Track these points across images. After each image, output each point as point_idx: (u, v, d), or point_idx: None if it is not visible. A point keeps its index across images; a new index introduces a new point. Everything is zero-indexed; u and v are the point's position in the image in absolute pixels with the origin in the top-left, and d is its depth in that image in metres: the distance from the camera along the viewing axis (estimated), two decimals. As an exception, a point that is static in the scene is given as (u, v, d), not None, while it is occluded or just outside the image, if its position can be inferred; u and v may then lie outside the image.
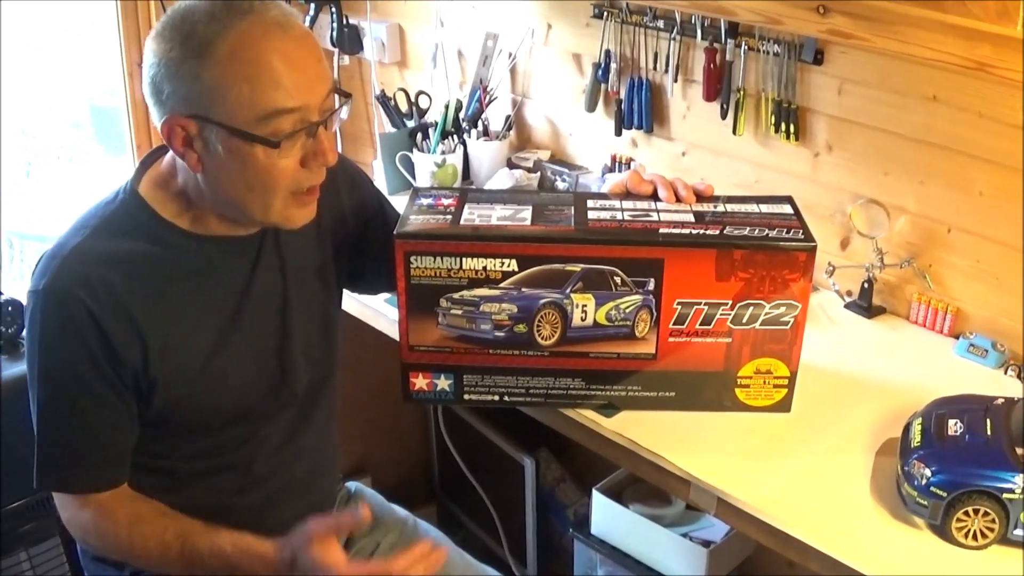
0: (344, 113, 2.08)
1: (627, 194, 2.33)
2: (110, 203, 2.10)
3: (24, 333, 2.07)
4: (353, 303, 2.85)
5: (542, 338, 2.22)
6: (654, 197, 2.30)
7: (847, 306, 2.90)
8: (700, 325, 2.20)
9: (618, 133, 3.35)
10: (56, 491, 2.14)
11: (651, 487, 2.51)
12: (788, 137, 2.92)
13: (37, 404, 2.06)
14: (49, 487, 2.14)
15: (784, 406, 2.30)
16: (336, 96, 2.04)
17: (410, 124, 3.70)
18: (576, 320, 2.20)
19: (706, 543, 3.08)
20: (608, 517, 3.28)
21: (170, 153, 2.06)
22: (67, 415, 2.05)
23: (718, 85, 3.03)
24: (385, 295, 2.75)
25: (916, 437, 2.08)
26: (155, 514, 2.13)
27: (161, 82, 1.92)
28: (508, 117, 3.65)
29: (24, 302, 2.06)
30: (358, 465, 3.87)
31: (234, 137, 1.91)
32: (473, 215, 2.22)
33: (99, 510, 2.10)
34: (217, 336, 2.13)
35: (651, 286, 2.16)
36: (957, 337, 2.71)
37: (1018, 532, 1.95)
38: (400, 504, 2.71)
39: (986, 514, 1.94)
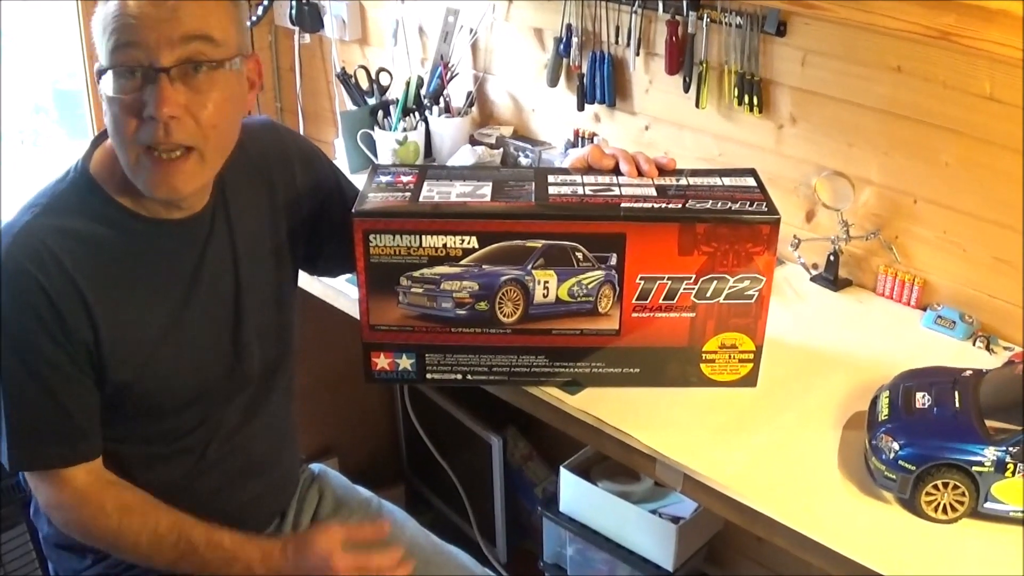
0: (228, 67, 1.97)
1: (589, 169, 2.31)
2: (60, 182, 2.07)
3: None
4: (315, 283, 2.83)
5: (504, 315, 2.19)
6: (616, 172, 2.29)
7: (813, 279, 2.89)
8: (663, 300, 2.18)
9: (580, 108, 3.33)
10: (29, 470, 2.10)
11: (619, 464, 2.50)
12: (751, 110, 2.90)
13: (1, 383, 2.01)
14: (21, 466, 2.09)
15: (750, 381, 2.28)
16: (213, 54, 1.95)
17: (371, 102, 3.67)
18: (538, 297, 2.18)
19: (675, 519, 3.08)
20: (577, 495, 3.27)
21: None
22: (32, 390, 2.01)
23: (680, 58, 3.01)
24: (346, 275, 2.73)
25: (884, 410, 2.07)
26: (145, 504, 2.11)
27: None
28: (470, 93, 3.63)
29: None
30: (324, 447, 3.86)
31: (98, 83, 1.92)
32: (432, 192, 2.19)
33: (83, 498, 2.08)
34: (168, 318, 2.11)
35: (613, 261, 2.14)
36: (924, 309, 2.71)
37: (988, 505, 1.93)
38: (368, 485, 2.69)
39: (956, 487, 1.93)
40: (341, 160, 3.60)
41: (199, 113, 1.93)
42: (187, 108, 1.91)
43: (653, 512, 3.11)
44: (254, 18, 3.76)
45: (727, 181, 2.25)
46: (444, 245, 2.13)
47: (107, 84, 1.90)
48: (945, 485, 1.94)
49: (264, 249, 2.26)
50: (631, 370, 2.27)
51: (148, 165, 1.95)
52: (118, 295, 2.03)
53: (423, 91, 3.62)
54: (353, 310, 2.76)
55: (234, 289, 2.20)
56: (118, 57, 1.88)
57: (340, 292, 2.85)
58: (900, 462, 1.95)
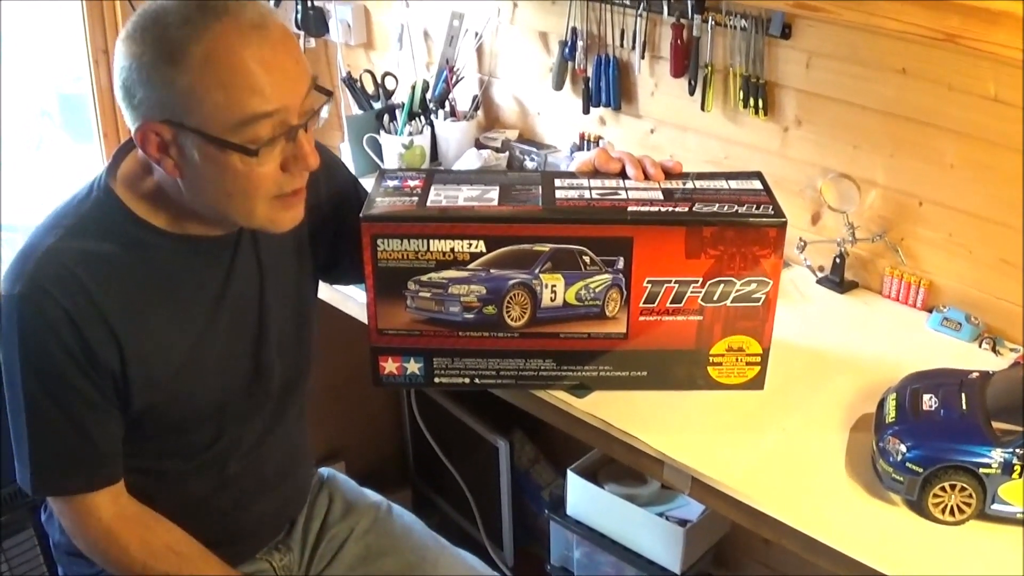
0: (324, 112, 2.01)
1: (595, 172, 2.31)
2: (84, 200, 2.03)
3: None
4: (322, 287, 2.82)
5: (512, 319, 2.20)
6: (622, 175, 2.28)
7: (819, 281, 2.89)
8: (671, 303, 2.18)
9: (586, 111, 3.33)
10: (51, 495, 2.11)
11: (626, 467, 2.50)
12: (757, 112, 2.90)
13: (23, 409, 2.00)
14: (43, 492, 2.10)
15: (757, 383, 2.28)
16: (315, 93, 1.96)
17: (377, 106, 3.68)
18: (545, 300, 2.18)
19: (682, 522, 3.08)
20: (584, 498, 3.28)
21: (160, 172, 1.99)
22: (55, 416, 1.99)
23: (685, 61, 3.01)
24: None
25: (891, 413, 2.07)
26: (169, 553, 2.12)
27: (133, 86, 1.85)
28: (475, 97, 3.63)
29: None
30: (331, 450, 3.86)
31: (210, 145, 1.84)
32: (440, 196, 2.19)
33: (108, 534, 2.08)
34: (193, 338, 2.09)
35: (621, 265, 2.14)
36: (930, 311, 2.71)
37: (995, 507, 1.94)
38: (374, 488, 2.69)
39: (963, 489, 1.93)
40: (347, 164, 3.59)
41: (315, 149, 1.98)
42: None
43: (660, 515, 3.12)
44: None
45: (733, 184, 2.25)
46: (452, 249, 2.13)
47: (223, 150, 1.86)
48: (952, 487, 1.94)
49: (288, 262, 2.25)
50: (639, 373, 2.28)
51: (279, 207, 1.98)
52: (144, 319, 2.01)
53: (429, 95, 3.62)
54: (360, 314, 2.76)
55: (258, 306, 2.19)
56: (258, 130, 1.85)
57: (347, 296, 2.85)
58: (907, 464, 1.95)
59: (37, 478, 2.04)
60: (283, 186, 1.94)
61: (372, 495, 2.65)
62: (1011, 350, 2.56)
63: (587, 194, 2.19)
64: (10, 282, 1.95)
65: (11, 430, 2.04)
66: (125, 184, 2.03)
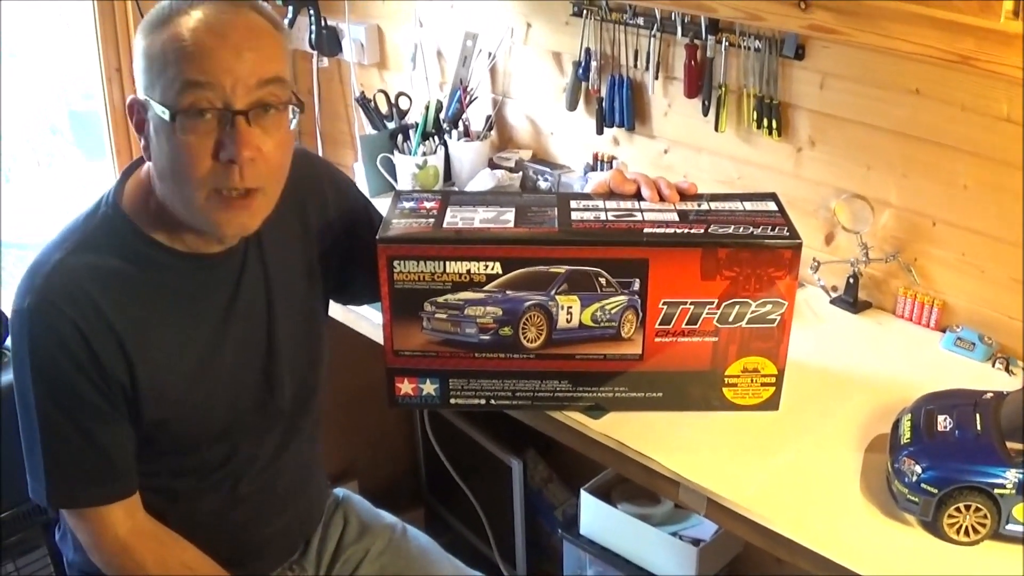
0: (293, 117, 2.01)
1: (610, 194, 2.32)
2: (91, 216, 2.06)
3: (9, 351, 2.04)
4: (336, 308, 2.83)
5: (527, 340, 2.20)
6: (637, 196, 2.29)
7: (832, 301, 2.89)
8: (686, 325, 2.19)
9: (599, 131, 3.34)
10: (67, 508, 2.12)
11: (639, 486, 2.51)
12: (770, 133, 2.91)
13: (36, 422, 2.01)
14: (60, 505, 2.11)
15: (772, 404, 2.29)
16: (276, 91, 1.96)
17: (390, 126, 3.68)
18: (561, 322, 2.19)
19: (696, 541, 3.08)
20: (597, 517, 3.27)
21: (148, 163, 2.03)
22: (68, 430, 2.01)
23: (699, 82, 3.02)
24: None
25: (905, 433, 2.07)
26: (183, 569, 2.14)
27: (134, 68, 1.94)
28: (489, 117, 3.64)
29: (7, 312, 2.02)
30: (344, 469, 3.86)
31: (157, 111, 1.88)
32: (456, 218, 2.20)
33: (124, 549, 2.09)
34: (203, 353, 2.11)
35: (636, 286, 2.15)
36: (944, 331, 2.71)
37: (1010, 527, 1.94)
38: (387, 507, 2.69)
39: (977, 510, 1.94)
40: (361, 184, 3.60)
41: (269, 153, 1.94)
42: (259, 149, 1.92)
43: (673, 534, 3.11)
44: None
45: (748, 206, 2.26)
46: (468, 271, 2.14)
47: (167, 121, 1.88)
48: (967, 508, 1.94)
49: (297, 280, 2.26)
50: (654, 394, 2.28)
51: (217, 204, 1.94)
52: (153, 333, 2.03)
53: (442, 115, 3.63)
54: (373, 334, 2.77)
55: (267, 322, 2.20)
56: (189, 98, 1.86)
57: (361, 316, 2.86)
58: (923, 485, 1.96)
59: (52, 491, 2.05)
60: (219, 178, 1.91)
61: (387, 516, 2.65)
62: (1024, 370, 2.56)
63: (603, 216, 2.20)
64: (20, 297, 1.98)
65: (24, 444, 2.05)
66: (131, 201, 2.06)
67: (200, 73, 1.85)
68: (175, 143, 1.89)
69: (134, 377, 2.00)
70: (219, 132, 1.89)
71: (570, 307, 2.17)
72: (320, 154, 4.05)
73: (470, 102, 3.61)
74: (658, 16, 3.05)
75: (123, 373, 1.99)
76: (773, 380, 2.26)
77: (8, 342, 2.05)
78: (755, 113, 2.93)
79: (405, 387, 2.29)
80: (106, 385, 1.98)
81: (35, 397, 1.99)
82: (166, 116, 1.87)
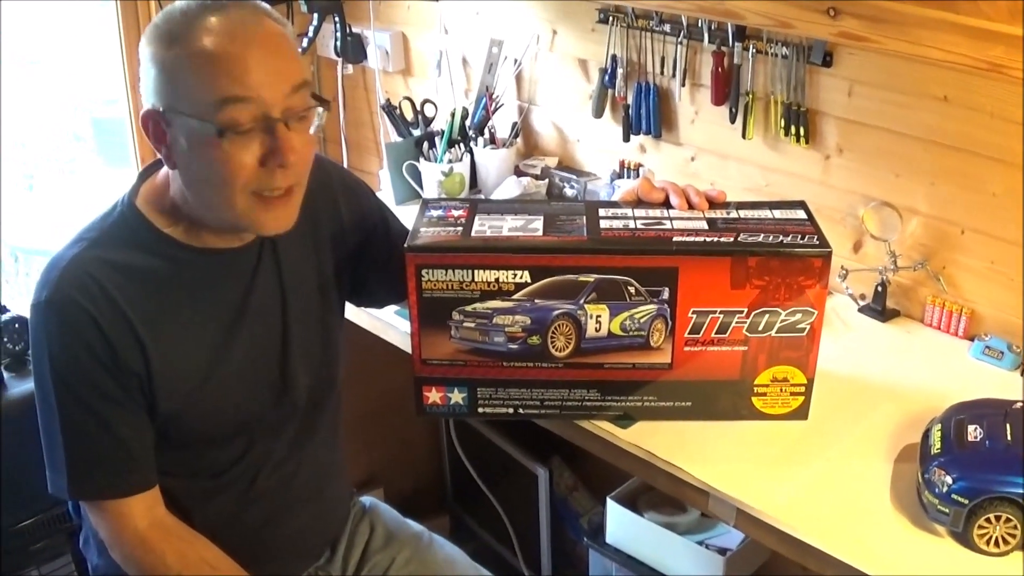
0: (319, 119, 2.03)
1: (639, 202, 2.31)
2: (108, 216, 2.10)
3: (30, 349, 2.08)
4: (362, 315, 2.84)
5: (556, 350, 2.20)
6: (666, 204, 2.29)
7: (861, 310, 2.89)
8: (716, 334, 2.18)
9: (626, 139, 3.34)
10: (86, 499, 2.13)
11: (665, 494, 2.50)
12: (798, 140, 2.90)
13: (56, 414, 2.03)
14: (79, 496, 2.13)
15: (801, 414, 2.28)
16: (304, 97, 1.99)
17: (416, 133, 3.69)
18: (590, 331, 2.18)
19: (722, 550, 3.07)
20: (623, 525, 3.27)
21: (165, 166, 2.05)
22: (86, 421, 2.03)
23: (726, 89, 3.01)
24: (395, 307, 2.73)
25: (936, 444, 2.07)
26: (203, 565, 2.13)
27: (143, 79, 1.94)
28: (515, 124, 3.64)
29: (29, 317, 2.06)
30: (370, 477, 3.86)
31: (191, 125, 1.90)
32: (484, 226, 2.20)
33: (144, 543, 2.10)
34: (217, 348, 2.13)
35: (665, 295, 2.14)
36: (972, 339, 2.70)
37: (1040, 538, 1.94)
38: (412, 515, 2.70)
39: (1008, 520, 1.93)
40: (387, 191, 3.61)
41: (303, 151, 1.98)
42: (298, 151, 1.95)
43: (700, 543, 3.10)
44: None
45: (777, 214, 2.25)
46: (496, 280, 2.13)
47: (206, 135, 1.90)
48: (997, 518, 1.94)
49: (310, 278, 2.28)
50: (683, 404, 2.27)
51: (258, 205, 1.98)
52: (168, 327, 2.05)
53: (468, 122, 3.63)
54: (400, 342, 2.77)
55: (281, 318, 2.22)
56: (230, 112, 1.88)
57: (389, 324, 2.85)
58: (953, 496, 1.95)
59: (72, 482, 2.07)
60: (262, 182, 1.96)
61: (414, 525, 2.65)
62: (1054, 379, 2.55)
63: (631, 224, 2.20)
64: (38, 291, 2.02)
65: (43, 437, 2.08)
66: (147, 201, 2.10)
67: (238, 88, 1.88)
68: (217, 154, 1.91)
69: (149, 368, 2.03)
70: (261, 140, 1.92)
71: (599, 316, 2.16)
72: (345, 162, 4.07)
73: (496, 109, 3.61)
74: (685, 23, 3.04)
75: (139, 364, 2.02)
76: (803, 389, 2.25)
77: (30, 347, 2.08)
78: (782, 120, 2.92)
79: (433, 396, 2.29)
80: (123, 375, 2.01)
81: (54, 388, 2.02)
82: (208, 131, 1.89)
